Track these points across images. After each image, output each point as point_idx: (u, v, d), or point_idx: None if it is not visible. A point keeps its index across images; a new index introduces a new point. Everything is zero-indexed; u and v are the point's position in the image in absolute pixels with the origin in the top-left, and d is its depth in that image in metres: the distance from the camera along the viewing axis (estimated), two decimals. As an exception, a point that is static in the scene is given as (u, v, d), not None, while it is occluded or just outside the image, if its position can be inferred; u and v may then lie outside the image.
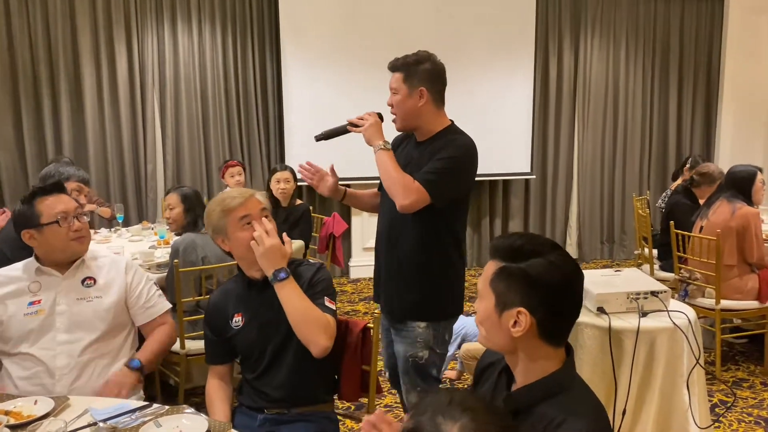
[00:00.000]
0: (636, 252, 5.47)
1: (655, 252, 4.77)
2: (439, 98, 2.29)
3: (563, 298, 1.22)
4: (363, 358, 2.12)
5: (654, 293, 2.55)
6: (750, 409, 3.37)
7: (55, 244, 2.06)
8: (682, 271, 3.92)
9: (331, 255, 4.65)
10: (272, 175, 4.52)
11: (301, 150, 5.59)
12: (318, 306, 1.89)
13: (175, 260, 3.01)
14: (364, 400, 2.17)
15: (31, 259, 2.10)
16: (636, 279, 2.72)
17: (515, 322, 1.21)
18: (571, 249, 6.91)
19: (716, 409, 3.36)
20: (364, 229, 6.10)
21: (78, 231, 2.09)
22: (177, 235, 3.46)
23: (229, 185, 4.92)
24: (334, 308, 1.93)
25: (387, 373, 2.58)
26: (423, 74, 2.23)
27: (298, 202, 4.60)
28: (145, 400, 2.04)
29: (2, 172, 5.38)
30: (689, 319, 2.51)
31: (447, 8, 5.98)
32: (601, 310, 2.51)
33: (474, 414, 1.05)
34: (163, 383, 3.31)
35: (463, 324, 3.58)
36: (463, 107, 6.02)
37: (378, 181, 2.34)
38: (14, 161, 5.41)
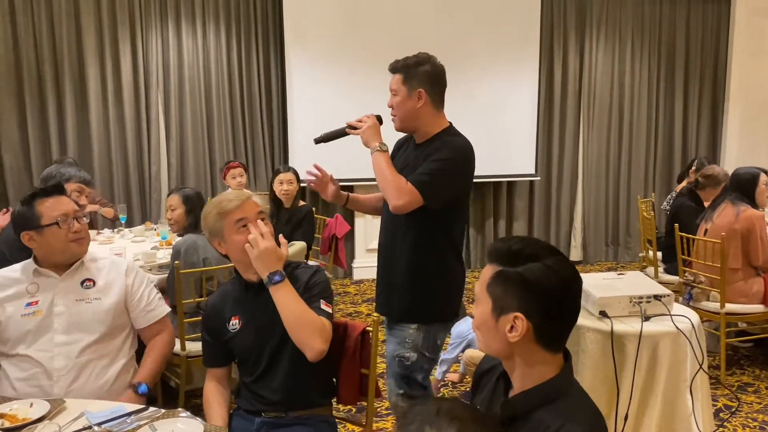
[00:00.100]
0: (640, 254, 5.44)
1: (659, 254, 4.74)
2: (438, 100, 2.29)
3: (560, 303, 1.20)
4: (362, 362, 2.10)
5: (657, 297, 2.52)
6: (755, 414, 3.33)
7: (54, 245, 2.05)
8: (686, 274, 3.89)
9: (334, 256, 4.64)
10: (275, 177, 4.51)
11: (305, 151, 5.59)
12: (314, 309, 1.87)
13: (176, 261, 3.01)
14: (365, 403, 2.16)
15: (30, 261, 2.09)
16: (639, 282, 2.69)
17: (512, 327, 1.20)
18: (576, 251, 6.88)
19: (721, 414, 3.32)
20: (368, 230, 6.09)
21: (77, 233, 2.08)
22: (179, 236, 3.46)
23: (231, 186, 4.92)
24: (330, 311, 1.92)
25: None
26: (422, 76, 2.23)
27: (301, 203, 4.59)
28: (146, 402, 2.05)
29: (6, 173, 5.40)
30: (692, 324, 2.49)
31: (451, 9, 5.96)
32: (603, 314, 2.49)
33: (462, 424, 1.04)
34: (164, 384, 3.30)
35: (470, 328, 3.56)
36: (467, 108, 6.01)
37: None
38: (18, 162, 5.43)
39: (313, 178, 2.41)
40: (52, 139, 5.45)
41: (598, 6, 6.53)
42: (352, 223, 5.95)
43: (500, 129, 6.20)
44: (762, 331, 3.93)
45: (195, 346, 3.04)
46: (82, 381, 1.99)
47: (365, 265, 6.06)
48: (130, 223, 5.30)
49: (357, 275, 6.16)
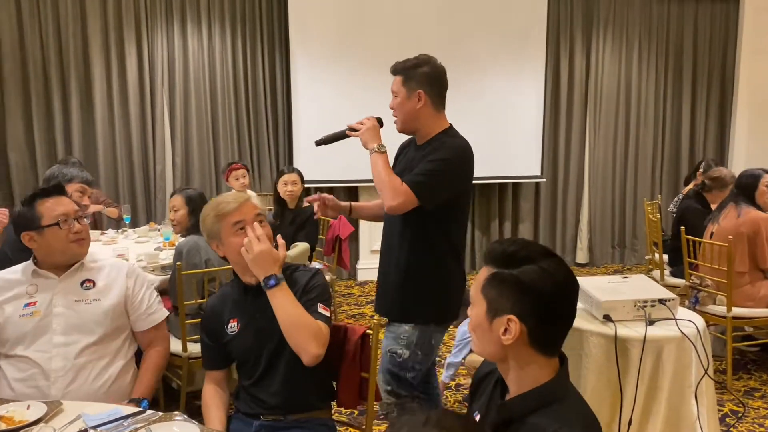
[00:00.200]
0: (647, 257, 5.40)
1: (666, 257, 4.70)
2: (438, 101, 2.29)
3: (555, 307, 1.19)
4: (362, 365, 2.08)
5: (662, 301, 2.50)
6: (762, 420, 3.29)
7: (55, 246, 2.04)
8: (692, 277, 3.85)
9: (337, 257, 4.62)
10: (280, 177, 4.50)
11: (309, 152, 5.58)
12: (311, 312, 1.86)
13: (178, 263, 3.00)
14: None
15: (29, 262, 2.09)
16: (643, 286, 2.66)
17: (506, 330, 1.19)
18: (582, 253, 6.84)
19: (727, 419, 3.29)
20: (372, 231, 6.08)
21: (78, 233, 2.08)
22: (182, 236, 3.45)
23: (234, 188, 4.91)
24: (328, 315, 1.90)
25: None
26: (421, 77, 2.24)
27: (305, 204, 4.57)
28: (150, 402, 2.04)
29: (13, 172, 5.42)
30: (698, 328, 2.46)
31: (457, 10, 5.94)
32: (607, 318, 2.46)
33: None
34: (166, 386, 3.30)
35: None
36: (473, 109, 5.99)
37: None
38: (24, 161, 5.45)
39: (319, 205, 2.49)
40: (58, 138, 5.47)
41: (605, 6, 6.50)
42: (356, 225, 5.93)
43: (506, 130, 6.18)
44: (769, 336, 3.89)
45: (196, 348, 3.02)
46: (80, 382, 1.98)
47: (369, 266, 6.04)
48: (134, 224, 5.30)
49: (361, 276, 6.14)
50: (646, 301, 2.49)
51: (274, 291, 1.83)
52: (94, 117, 5.52)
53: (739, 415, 3.34)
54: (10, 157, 5.39)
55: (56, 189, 2.13)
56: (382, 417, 2.56)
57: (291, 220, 4.45)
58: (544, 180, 6.53)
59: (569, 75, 6.54)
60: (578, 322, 2.51)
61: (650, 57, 6.67)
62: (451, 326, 2.57)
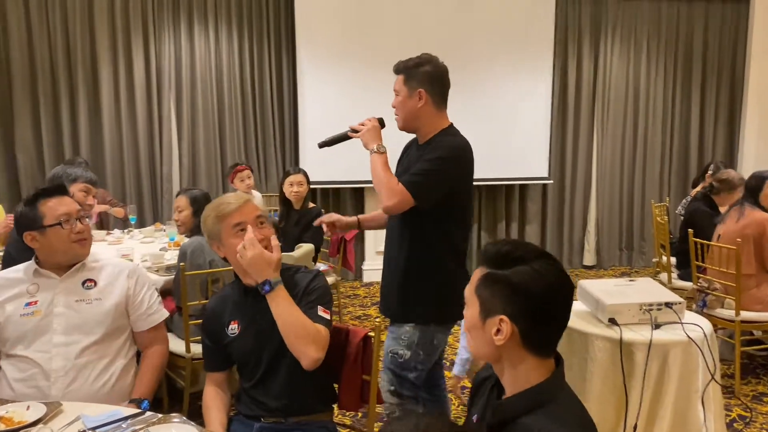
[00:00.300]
0: (654, 260, 5.36)
1: (673, 260, 4.66)
2: (439, 100, 2.29)
3: (546, 308, 1.18)
4: (364, 368, 2.07)
5: (668, 304, 2.47)
6: (770, 425, 3.26)
7: (57, 246, 2.04)
8: (700, 280, 3.81)
9: (342, 259, 4.61)
10: (285, 178, 4.50)
11: (316, 153, 5.55)
12: (311, 315, 1.84)
13: (182, 263, 3.00)
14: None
15: (31, 261, 2.09)
16: (650, 289, 2.63)
17: (498, 330, 1.19)
18: (589, 255, 6.80)
19: (735, 425, 3.25)
20: (377, 233, 6.05)
21: (80, 233, 2.08)
22: (186, 237, 3.46)
23: (239, 189, 4.91)
24: (328, 317, 1.89)
25: None
26: (423, 76, 2.24)
27: (311, 205, 4.58)
28: (151, 403, 2.03)
29: (21, 173, 5.44)
30: (705, 332, 2.43)
31: (464, 12, 5.92)
32: (612, 322, 2.44)
33: None
34: (171, 386, 3.30)
35: None
36: (480, 111, 5.98)
37: None
38: (32, 162, 5.47)
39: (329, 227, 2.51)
40: (65, 139, 5.49)
41: (613, 7, 6.45)
42: (362, 226, 5.91)
43: (513, 131, 6.16)
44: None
45: (200, 348, 3.03)
46: (80, 382, 1.97)
47: (375, 267, 6.03)
48: (141, 224, 5.32)
49: (367, 278, 6.13)
50: (652, 305, 2.46)
51: (271, 296, 1.82)
52: (101, 118, 5.54)
53: (747, 420, 3.30)
54: (18, 158, 5.42)
55: (58, 189, 2.13)
56: (385, 419, 2.55)
57: (296, 221, 4.45)
58: (552, 181, 6.50)
59: (577, 76, 6.50)
60: (583, 326, 2.49)
61: (659, 58, 6.62)
62: (456, 326, 2.55)
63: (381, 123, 2.33)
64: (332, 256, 4.73)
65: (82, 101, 5.48)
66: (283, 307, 1.81)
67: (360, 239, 6.00)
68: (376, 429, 2.14)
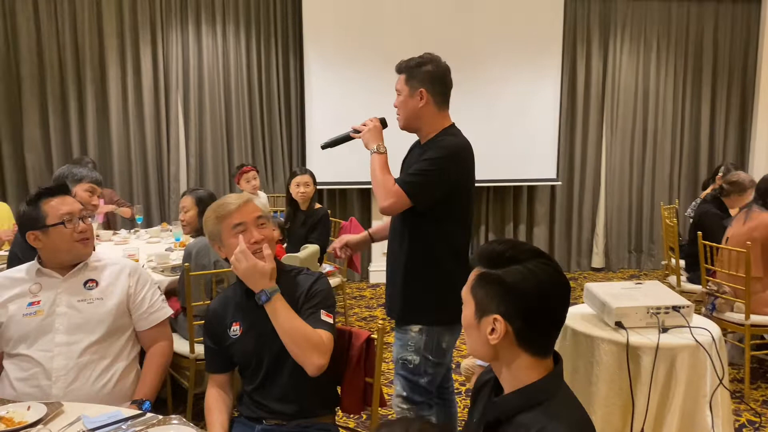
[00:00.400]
0: (663, 262, 5.31)
1: (682, 263, 4.61)
2: (441, 100, 2.28)
3: (540, 308, 1.18)
4: (366, 370, 2.05)
5: (676, 308, 2.44)
6: (780, 431, 3.21)
7: (59, 245, 2.04)
8: (709, 283, 3.77)
9: (348, 260, 4.58)
10: (292, 179, 4.50)
11: (322, 153, 5.55)
12: (314, 320, 1.83)
13: (186, 264, 3.00)
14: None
15: (34, 261, 2.08)
16: (657, 292, 2.60)
17: (492, 330, 1.20)
18: (598, 258, 6.75)
19: (744, 430, 3.20)
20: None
21: (83, 232, 2.07)
22: (192, 237, 3.46)
23: (245, 190, 4.92)
24: (331, 321, 1.87)
25: None
26: (424, 76, 2.23)
27: (317, 206, 4.57)
28: (155, 402, 2.03)
29: (29, 173, 5.48)
30: (713, 336, 2.39)
31: (472, 10, 5.90)
32: (619, 325, 2.41)
33: None
34: (176, 386, 3.29)
35: None
36: (488, 112, 5.95)
37: None
38: (40, 162, 5.50)
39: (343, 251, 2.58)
40: (73, 139, 5.52)
41: (622, 7, 6.41)
42: (368, 226, 5.89)
43: (521, 132, 6.13)
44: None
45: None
46: (81, 382, 1.97)
47: (381, 268, 5.98)
48: (148, 224, 5.34)
49: (373, 279, 6.11)
50: (659, 308, 2.43)
51: (268, 305, 1.81)
52: (109, 118, 5.57)
53: (757, 425, 3.25)
54: (26, 158, 5.45)
55: (60, 188, 2.13)
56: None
57: (303, 222, 4.45)
58: (560, 183, 6.46)
59: (586, 77, 6.46)
60: (589, 329, 2.47)
61: (669, 58, 6.56)
62: None
63: (383, 123, 2.33)
64: (338, 257, 4.71)
65: (90, 101, 5.50)
66: (282, 317, 1.80)
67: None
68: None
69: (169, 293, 3.29)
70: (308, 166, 5.42)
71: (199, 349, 3.03)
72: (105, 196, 4.66)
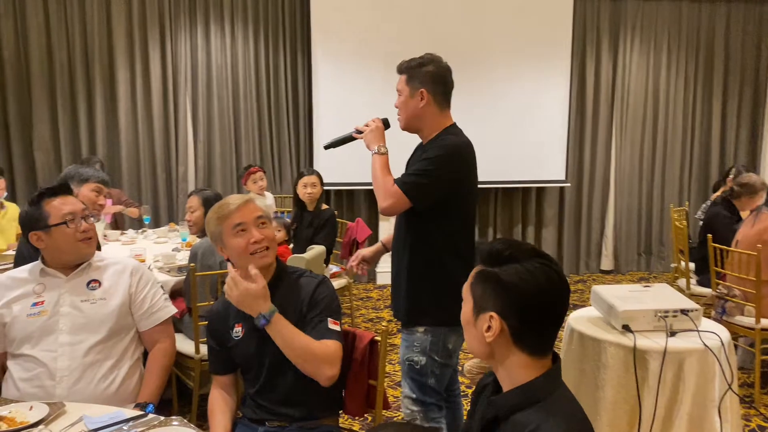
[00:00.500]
0: (672, 265, 5.26)
1: (692, 265, 4.57)
2: (442, 100, 2.27)
3: (535, 307, 1.18)
4: (370, 373, 2.03)
5: (684, 311, 2.41)
6: (791, 437, 3.17)
7: (62, 245, 2.04)
8: (719, 286, 3.72)
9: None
10: (299, 179, 4.49)
11: (329, 154, 5.54)
12: (321, 330, 1.83)
13: (192, 264, 3.00)
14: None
15: (37, 262, 2.09)
16: (665, 296, 2.57)
17: (488, 327, 1.21)
18: (607, 260, 6.70)
19: (754, 435, 3.17)
20: (391, 235, 6.01)
21: (86, 232, 2.07)
22: (198, 237, 3.46)
23: (252, 191, 4.92)
24: (338, 329, 1.87)
25: None
26: (424, 76, 2.23)
27: (324, 206, 4.56)
28: (160, 402, 2.03)
29: (39, 172, 5.50)
30: (722, 340, 2.36)
31: (480, 11, 5.88)
32: (626, 328, 2.38)
33: None
34: (182, 386, 3.30)
35: None
36: (497, 113, 5.93)
37: None
38: (50, 161, 5.53)
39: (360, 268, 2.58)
40: (82, 138, 5.55)
41: (632, 7, 6.36)
42: (374, 228, 5.90)
43: (530, 133, 6.10)
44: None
45: (209, 350, 3.02)
46: (85, 382, 1.96)
47: (388, 270, 5.95)
48: (156, 224, 5.35)
49: (380, 280, 6.10)
50: (667, 311, 2.40)
51: (269, 328, 1.79)
52: (118, 118, 5.59)
53: (767, 430, 3.21)
54: (36, 158, 5.48)
55: (62, 188, 2.13)
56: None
57: (310, 222, 4.44)
58: (569, 185, 6.42)
59: (595, 77, 6.41)
60: (596, 332, 2.44)
61: (679, 59, 6.51)
62: None
63: (386, 124, 2.33)
64: (344, 258, 4.71)
65: (99, 101, 5.53)
66: (284, 337, 1.79)
67: (372, 241, 5.95)
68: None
69: (175, 293, 3.30)
70: (315, 167, 5.41)
71: (204, 349, 3.02)
72: (113, 197, 4.67)
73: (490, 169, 5.80)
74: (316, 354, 1.79)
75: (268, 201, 5.12)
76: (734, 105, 6.66)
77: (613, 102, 6.50)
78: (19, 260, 2.63)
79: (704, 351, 2.31)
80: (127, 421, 1.66)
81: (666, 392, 2.30)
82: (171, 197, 5.85)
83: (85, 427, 1.62)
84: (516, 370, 1.21)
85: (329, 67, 5.79)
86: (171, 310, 2.21)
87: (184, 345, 3.12)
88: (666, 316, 2.39)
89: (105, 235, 4.20)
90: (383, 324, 4.10)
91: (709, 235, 3.82)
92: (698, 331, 2.37)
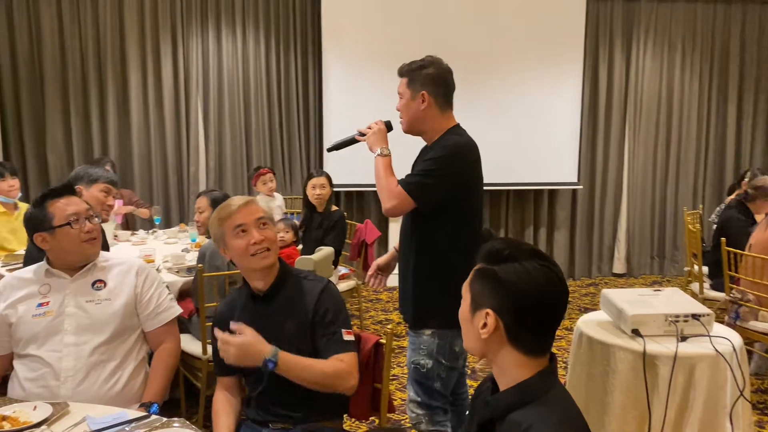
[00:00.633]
0: (686, 269, 5.20)
1: (705, 269, 4.50)
2: (443, 102, 2.26)
3: (532, 307, 1.19)
4: (375, 375, 2.02)
5: (695, 316, 2.36)
6: (805, 444, 3.11)
7: (67, 246, 2.04)
8: (733, 291, 3.67)
9: (363, 263, 4.58)
10: (308, 181, 4.49)
11: (339, 155, 5.54)
12: (336, 344, 1.84)
13: (200, 265, 3.00)
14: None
15: (43, 262, 2.09)
16: (676, 300, 2.53)
17: (484, 324, 1.22)
18: (619, 263, 6.64)
19: (767, 443, 3.11)
20: (399, 237, 6.00)
21: (90, 233, 2.07)
22: (207, 238, 3.46)
23: (262, 192, 4.93)
24: (352, 338, 1.87)
25: None
26: (425, 78, 2.23)
27: (334, 208, 4.56)
28: (166, 402, 2.03)
29: (51, 173, 5.55)
30: (734, 346, 2.31)
31: (492, 13, 5.85)
32: (636, 333, 2.34)
33: None
34: (190, 386, 3.30)
35: None
36: (508, 114, 5.90)
37: None
38: (62, 163, 5.57)
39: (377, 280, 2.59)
40: (95, 141, 5.59)
41: (646, 7, 6.30)
42: (383, 230, 5.88)
43: (542, 135, 6.06)
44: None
45: (217, 351, 3.02)
46: (90, 383, 1.97)
47: (397, 272, 5.96)
48: (167, 224, 5.37)
49: (390, 282, 6.01)
50: (678, 316, 2.35)
51: (279, 369, 1.77)
52: (130, 120, 5.62)
53: (781, 438, 3.16)
54: (48, 159, 5.53)
55: (66, 189, 2.14)
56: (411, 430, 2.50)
57: (319, 224, 4.44)
58: (581, 187, 6.36)
59: (608, 79, 6.36)
60: (605, 336, 2.41)
61: (694, 60, 6.44)
62: None
63: (388, 126, 2.33)
64: (353, 259, 4.70)
65: (111, 103, 5.57)
66: (297, 372, 1.79)
67: (382, 243, 5.96)
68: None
69: (184, 294, 3.30)
70: (325, 168, 5.41)
71: (211, 350, 3.02)
72: (124, 197, 4.70)
73: (502, 171, 5.78)
74: (329, 375, 1.81)
75: (277, 202, 5.12)
76: (750, 107, 6.57)
77: (626, 104, 6.44)
78: (29, 261, 2.64)
79: (716, 356, 2.26)
80: (129, 422, 1.66)
81: (676, 398, 2.26)
82: (182, 198, 5.87)
83: (87, 428, 1.62)
84: (511, 369, 1.22)
85: (340, 70, 5.79)
86: (176, 310, 2.21)
87: (192, 345, 3.12)
88: (677, 321, 2.35)
89: (116, 236, 4.22)
90: (389, 327, 4.09)
91: (723, 239, 3.77)
92: (710, 336, 2.32)
